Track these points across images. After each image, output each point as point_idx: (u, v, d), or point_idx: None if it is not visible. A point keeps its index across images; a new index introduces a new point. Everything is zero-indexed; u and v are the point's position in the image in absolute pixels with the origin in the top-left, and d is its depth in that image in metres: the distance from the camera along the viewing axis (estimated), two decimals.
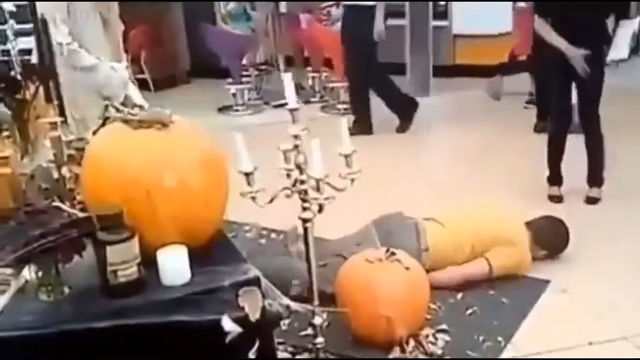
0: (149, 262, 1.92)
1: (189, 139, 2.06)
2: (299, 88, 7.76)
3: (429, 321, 3.06)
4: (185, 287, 1.93)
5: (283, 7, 8.51)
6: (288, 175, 2.57)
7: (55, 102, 2.39)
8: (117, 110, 2.50)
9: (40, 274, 1.86)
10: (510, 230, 3.51)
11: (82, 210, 2.07)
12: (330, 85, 7.55)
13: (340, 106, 7.21)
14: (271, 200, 2.55)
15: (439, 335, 3.00)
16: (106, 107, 2.46)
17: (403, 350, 2.88)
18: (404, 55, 7.42)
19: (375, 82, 6.24)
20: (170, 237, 1.96)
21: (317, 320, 2.66)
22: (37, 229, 1.75)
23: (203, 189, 2.01)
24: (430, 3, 7.30)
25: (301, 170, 2.53)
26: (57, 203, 1.99)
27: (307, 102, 7.53)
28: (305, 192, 2.54)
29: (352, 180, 2.53)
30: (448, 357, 2.87)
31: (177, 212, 1.95)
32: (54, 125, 2.38)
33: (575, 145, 4.47)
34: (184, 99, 7.78)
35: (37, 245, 1.69)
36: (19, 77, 3.09)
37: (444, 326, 3.05)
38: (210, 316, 1.88)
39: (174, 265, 1.94)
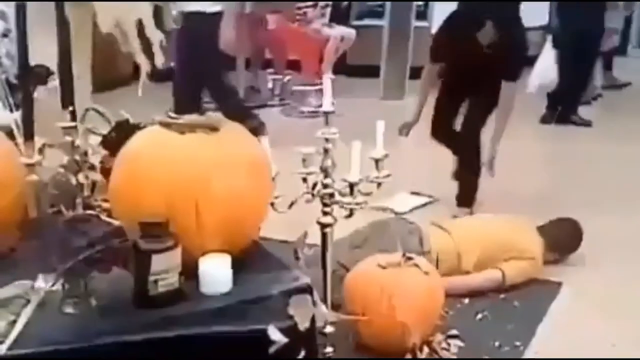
0: (187, 270, 1.82)
1: (237, 142, 1.98)
2: (252, 90, 7.61)
3: (438, 327, 2.98)
4: (229, 296, 1.84)
5: (248, 7, 8.29)
6: (305, 180, 2.50)
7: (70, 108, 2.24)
8: (101, 114, 2.40)
9: (67, 285, 1.74)
10: (528, 243, 3.45)
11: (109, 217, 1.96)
12: (295, 88, 7.39)
13: (305, 109, 7.08)
14: (291, 206, 2.48)
15: (451, 341, 2.91)
16: (86, 111, 2.35)
17: (415, 358, 2.82)
18: (377, 57, 7.36)
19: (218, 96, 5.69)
20: (212, 244, 1.87)
21: (329, 329, 2.57)
22: (80, 238, 1.64)
23: (250, 195, 1.93)
24: (414, 3, 7.26)
25: (326, 174, 2.46)
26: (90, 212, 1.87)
27: (263, 105, 7.34)
28: (331, 195, 2.47)
29: (379, 184, 2.47)
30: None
31: (224, 219, 1.86)
32: (67, 131, 2.26)
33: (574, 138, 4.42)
34: (129, 101, 7.50)
35: (87, 255, 1.57)
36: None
37: (454, 332, 2.97)
38: (255, 326, 1.79)
39: (217, 274, 1.85)
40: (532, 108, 6.39)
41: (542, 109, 6.59)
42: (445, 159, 4.43)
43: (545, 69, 6.17)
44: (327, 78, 2.47)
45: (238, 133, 2.05)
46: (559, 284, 3.39)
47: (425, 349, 2.85)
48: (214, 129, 1.91)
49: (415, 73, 7.36)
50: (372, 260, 2.96)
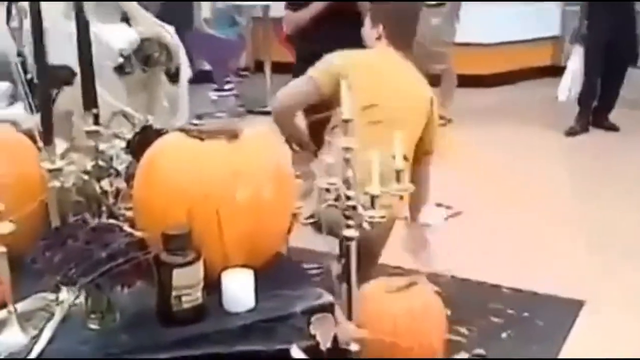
0: (207, 283, 1.76)
1: (259, 150, 1.92)
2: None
3: (463, 345, 2.93)
4: (252, 314, 1.79)
5: (274, 10, 8.25)
6: (328, 190, 2.45)
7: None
8: (127, 119, 2.35)
9: (90, 299, 1.70)
10: None
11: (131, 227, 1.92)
12: None
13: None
14: (311, 217, 2.43)
15: None
16: (114, 115, 2.29)
17: None
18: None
19: None
20: (235, 258, 1.82)
21: (354, 347, 2.51)
22: (101, 250, 1.60)
23: (275, 205, 1.88)
24: None
25: (349, 186, 2.41)
26: (112, 220, 1.83)
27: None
28: (354, 208, 2.42)
29: (402, 197, 2.42)
30: None
31: (247, 231, 1.81)
32: (91, 135, 2.20)
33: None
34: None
35: (108, 268, 1.54)
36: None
37: (480, 351, 2.93)
38: (279, 345, 1.75)
39: (241, 290, 1.80)
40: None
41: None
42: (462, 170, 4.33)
43: (576, 77, 6.29)
44: (344, 83, 2.37)
45: (260, 140, 1.99)
46: (581, 302, 3.34)
47: None
48: (234, 135, 1.86)
49: None
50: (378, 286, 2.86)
